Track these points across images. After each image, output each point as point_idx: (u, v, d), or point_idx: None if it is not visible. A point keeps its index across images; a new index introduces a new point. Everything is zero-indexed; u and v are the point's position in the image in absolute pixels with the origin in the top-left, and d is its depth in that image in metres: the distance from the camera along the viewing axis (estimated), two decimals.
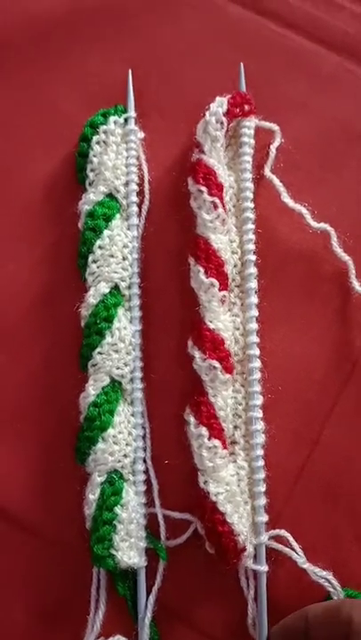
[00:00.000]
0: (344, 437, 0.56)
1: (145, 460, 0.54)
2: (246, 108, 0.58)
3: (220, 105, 0.56)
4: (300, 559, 0.51)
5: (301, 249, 0.59)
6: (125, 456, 0.53)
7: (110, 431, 0.52)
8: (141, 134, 0.60)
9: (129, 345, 0.55)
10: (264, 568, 0.51)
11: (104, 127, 0.58)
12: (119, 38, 0.63)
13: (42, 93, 0.62)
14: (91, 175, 0.58)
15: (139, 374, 0.55)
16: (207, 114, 0.56)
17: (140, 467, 0.53)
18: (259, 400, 0.54)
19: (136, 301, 0.56)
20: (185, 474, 0.53)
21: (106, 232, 0.56)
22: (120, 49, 0.63)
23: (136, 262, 0.57)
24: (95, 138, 0.58)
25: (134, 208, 0.58)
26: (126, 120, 0.60)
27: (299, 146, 0.61)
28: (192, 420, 0.52)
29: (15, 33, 0.63)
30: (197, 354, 0.53)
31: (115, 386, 0.54)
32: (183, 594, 0.53)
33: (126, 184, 0.58)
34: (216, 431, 0.52)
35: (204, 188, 0.55)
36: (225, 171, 0.57)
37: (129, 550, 0.51)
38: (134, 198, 0.58)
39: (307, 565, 0.51)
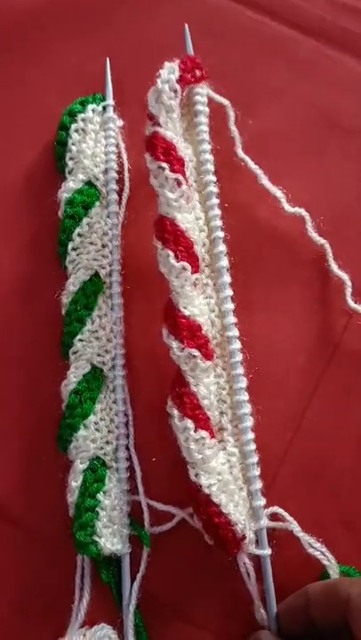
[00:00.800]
0: (326, 420, 0.56)
1: (128, 447, 0.54)
2: (198, 73, 0.56)
3: (171, 71, 0.53)
4: (297, 528, 0.51)
5: (279, 234, 0.59)
6: (108, 443, 0.53)
7: (92, 418, 0.53)
8: (120, 122, 0.61)
9: (110, 332, 0.55)
10: (267, 551, 0.50)
11: (82, 115, 0.60)
12: (98, 29, 0.65)
13: (21, 85, 0.64)
14: (70, 163, 0.59)
15: (120, 361, 0.55)
16: (159, 82, 0.52)
17: (123, 454, 0.53)
18: (243, 382, 0.52)
19: (117, 289, 0.56)
20: (169, 461, 0.53)
21: (85, 220, 0.57)
22: (99, 40, 0.64)
23: (116, 249, 0.57)
24: (74, 126, 0.59)
25: (114, 196, 0.58)
26: (105, 108, 0.61)
27: (277, 131, 0.62)
28: (176, 413, 0.49)
29: None
30: (175, 344, 0.50)
31: (96, 373, 0.54)
32: (168, 581, 0.53)
33: (105, 172, 0.59)
34: (202, 422, 0.49)
35: (165, 165, 0.51)
36: (182, 143, 0.55)
37: (112, 537, 0.51)
38: (114, 186, 0.58)
39: (301, 535, 0.51)
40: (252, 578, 0.51)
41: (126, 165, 0.60)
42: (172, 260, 0.50)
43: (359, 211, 0.61)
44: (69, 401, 0.53)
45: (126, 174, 0.60)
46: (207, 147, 0.56)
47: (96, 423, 0.53)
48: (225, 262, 0.54)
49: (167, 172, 0.51)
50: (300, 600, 0.48)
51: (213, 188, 0.55)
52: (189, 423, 0.48)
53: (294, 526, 0.51)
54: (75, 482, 0.51)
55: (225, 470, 0.50)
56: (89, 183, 0.58)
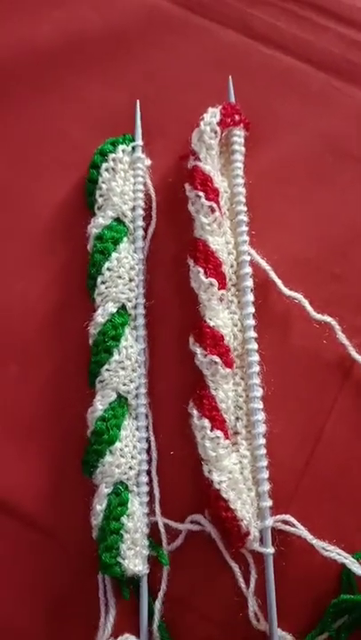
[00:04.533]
0: (345, 432, 0.59)
1: (149, 472, 0.57)
2: (236, 117, 0.63)
3: (213, 115, 0.62)
4: (309, 536, 0.55)
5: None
6: (131, 468, 0.56)
7: (117, 445, 0.56)
8: (148, 162, 0.65)
9: (135, 362, 0.58)
10: (270, 550, 0.54)
11: (113, 155, 0.64)
12: (120, 67, 0.69)
13: (50, 122, 0.68)
14: (100, 200, 0.63)
15: (143, 390, 0.59)
16: (202, 123, 0.62)
17: (144, 478, 0.57)
18: (258, 392, 0.58)
19: (141, 321, 0.61)
20: (187, 482, 0.58)
21: (114, 255, 0.60)
22: (121, 77, 0.69)
23: (142, 283, 0.61)
24: (104, 165, 0.63)
25: (140, 232, 0.63)
26: (134, 148, 0.65)
27: (292, 160, 0.67)
28: (195, 412, 0.56)
29: (21, 65, 0.70)
30: (198, 350, 0.57)
31: (121, 401, 0.57)
32: (186, 591, 0.56)
33: (133, 209, 0.63)
34: (218, 422, 0.56)
35: (201, 193, 0.59)
36: (219, 176, 0.62)
37: (134, 558, 0.54)
38: (140, 223, 0.63)
39: (315, 542, 0.55)
40: (252, 585, 0.55)
41: (154, 202, 0.64)
42: (202, 276, 0.58)
43: None
44: (96, 428, 0.56)
45: (154, 211, 0.64)
46: (241, 181, 0.63)
47: (121, 449, 0.56)
48: (250, 282, 0.60)
49: (203, 199, 0.60)
50: None
51: (244, 217, 0.62)
52: (206, 422, 0.56)
53: (305, 533, 0.55)
54: (100, 505, 0.54)
55: (236, 470, 0.56)
56: (117, 220, 0.62)
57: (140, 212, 0.63)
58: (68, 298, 0.64)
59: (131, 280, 0.61)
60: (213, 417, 0.56)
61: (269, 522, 0.55)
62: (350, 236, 0.65)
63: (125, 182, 0.64)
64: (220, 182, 0.62)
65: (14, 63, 0.70)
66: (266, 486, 0.56)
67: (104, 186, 0.63)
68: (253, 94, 0.68)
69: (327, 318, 0.61)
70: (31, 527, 0.58)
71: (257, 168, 0.66)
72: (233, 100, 0.66)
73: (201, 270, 0.58)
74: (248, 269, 0.61)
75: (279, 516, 0.56)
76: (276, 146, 0.67)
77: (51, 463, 0.60)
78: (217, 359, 0.57)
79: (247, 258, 0.61)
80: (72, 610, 0.57)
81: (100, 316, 0.59)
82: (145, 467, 0.57)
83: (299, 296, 0.61)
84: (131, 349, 0.59)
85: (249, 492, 0.56)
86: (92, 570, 0.55)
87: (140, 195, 0.64)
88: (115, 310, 0.59)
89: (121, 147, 0.64)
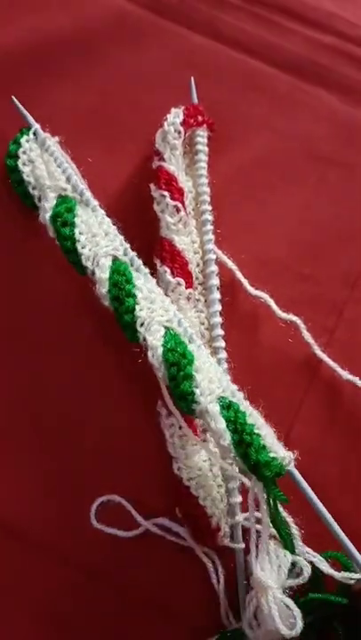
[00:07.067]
0: (312, 433, 0.62)
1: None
2: (199, 118, 0.65)
3: (176, 116, 0.64)
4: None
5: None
6: (210, 382, 0.52)
7: (197, 363, 0.52)
8: (56, 138, 0.65)
9: (159, 294, 0.56)
10: (241, 545, 0.56)
11: (21, 149, 0.64)
12: (89, 69, 0.70)
13: (18, 124, 0.66)
14: (35, 193, 0.62)
15: (180, 316, 0.56)
16: (165, 124, 0.63)
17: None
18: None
19: (138, 262, 0.58)
20: None
21: (77, 220, 0.59)
22: (90, 78, 0.70)
23: (118, 232, 0.59)
24: (19, 161, 0.63)
25: (87, 194, 0.61)
26: (35, 133, 0.64)
27: (261, 162, 0.69)
28: (164, 411, 0.58)
29: None
30: None
31: (171, 332, 0.54)
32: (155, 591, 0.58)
33: (67, 180, 0.62)
34: (187, 420, 0.56)
35: (166, 193, 0.61)
36: (184, 176, 0.64)
37: (280, 449, 0.52)
38: (82, 185, 0.61)
39: None
40: (222, 582, 0.57)
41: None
42: (169, 276, 0.60)
43: (337, 234, 0.68)
44: (168, 359, 0.52)
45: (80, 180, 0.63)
46: (205, 180, 0.65)
47: (201, 366, 0.53)
48: (216, 281, 0.62)
49: (168, 199, 0.61)
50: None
51: (209, 216, 0.64)
52: (175, 421, 0.57)
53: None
54: (220, 425, 0.50)
55: (205, 467, 0.58)
56: (60, 196, 0.61)
57: (75, 177, 0.62)
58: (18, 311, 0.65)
59: (107, 234, 0.59)
60: (183, 415, 0.56)
61: (240, 517, 0.57)
62: (320, 238, 0.68)
63: (47, 164, 0.63)
64: (184, 182, 0.64)
65: None
66: (236, 483, 0.58)
67: (31, 179, 0.63)
68: (221, 97, 0.70)
69: (292, 317, 0.63)
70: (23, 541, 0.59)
71: (225, 170, 0.68)
72: (196, 100, 0.68)
73: (168, 270, 0.60)
74: (214, 268, 0.62)
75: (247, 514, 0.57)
76: (244, 148, 0.69)
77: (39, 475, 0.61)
78: None
79: (213, 256, 0.63)
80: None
81: (102, 273, 0.56)
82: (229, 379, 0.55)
83: (265, 295, 0.63)
84: (148, 285, 0.57)
85: (219, 488, 0.58)
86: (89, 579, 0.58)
87: (66, 165, 0.63)
88: (110, 262, 0.57)
89: (23, 139, 0.64)
